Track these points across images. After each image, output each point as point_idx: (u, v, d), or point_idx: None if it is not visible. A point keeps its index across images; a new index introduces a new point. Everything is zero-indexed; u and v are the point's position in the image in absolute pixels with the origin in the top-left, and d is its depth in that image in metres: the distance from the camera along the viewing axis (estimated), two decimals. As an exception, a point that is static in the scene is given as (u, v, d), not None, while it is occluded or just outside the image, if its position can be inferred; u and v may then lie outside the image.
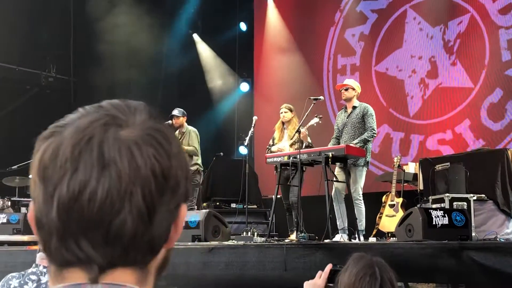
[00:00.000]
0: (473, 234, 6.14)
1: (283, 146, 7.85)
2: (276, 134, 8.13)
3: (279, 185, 7.35)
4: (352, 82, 7.68)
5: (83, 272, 0.78)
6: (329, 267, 2.44)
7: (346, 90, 7.51)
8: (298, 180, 7.22)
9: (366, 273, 2.18)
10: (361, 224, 7.15)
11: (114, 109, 0.82)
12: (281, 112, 8.09)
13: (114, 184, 0.75)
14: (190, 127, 9.08)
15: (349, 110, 7.52)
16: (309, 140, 7.60)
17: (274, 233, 8.04)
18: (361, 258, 2.28)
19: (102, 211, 0.75)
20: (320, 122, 7.41)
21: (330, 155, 6.79)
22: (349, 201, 7.25)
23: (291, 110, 8.07)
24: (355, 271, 2.20)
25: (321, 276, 2.43)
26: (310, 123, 7.43)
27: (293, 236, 7.46)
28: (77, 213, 0.75)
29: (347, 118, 7.48)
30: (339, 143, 7.54)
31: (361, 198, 7.20)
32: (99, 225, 0.76)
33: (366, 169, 7.31)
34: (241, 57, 13.53)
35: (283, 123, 8.10)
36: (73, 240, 0.76)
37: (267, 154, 7.66)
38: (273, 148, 7.95)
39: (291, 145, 7.75)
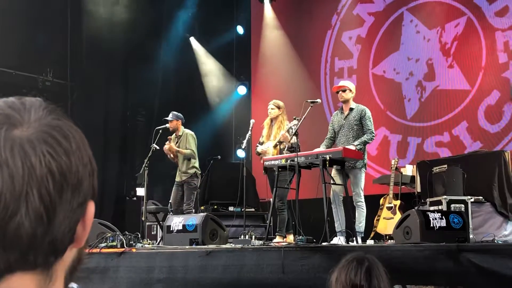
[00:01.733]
0: (471, 236, 6.15)
1: (267, 147, 7.80)
2: (264, 131, 8.01)
3: (276, 188, 7.34)
4: (348, 83, 7.66)
5: None
6: None
7: (344, 91, 7.49)
8: (296, 183, 7.20)
9: (354, 258, 2.23)
10: (361, 225, 7.15)
11: (8, 108, 0.79)
12: (268, 108, 8.01)
13: (7, 186, 0.73)
14: (187, 130, 9.06)
15: (346, 112, 7.51)
16: (293, 141, 7.38)
17: (272, 236, 8.03)
18: (352, 254, 2.34)
19: None
20: (299, 123, 7.28)
21: (328, 158, 6.78)
22: (346, 203, 7.25)
23: (278, 107, 7.87)
24: (344, 259, 2.26)
25: None
26: (289, 125, 7.37)
27: (277, 239, 7.50)
28: None
29: (344, 120, 7.47)
30: (333, 144, 7.53)
31: (363, 200, 7.20)
32: None
33: (364, 170, 7.31)
34: (238, 60, 13.54)
35: (271, 119, 8.02)
36: None
37: (265, 158, 7.62)
38: (258, 149, 7.89)
39: (274, 146, 7.68)
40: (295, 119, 7.31)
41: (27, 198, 0.73)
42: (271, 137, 7.86)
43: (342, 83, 7.72)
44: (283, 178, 7.37)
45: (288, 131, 7.36)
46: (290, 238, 7.48)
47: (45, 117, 0.79)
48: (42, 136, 0.76)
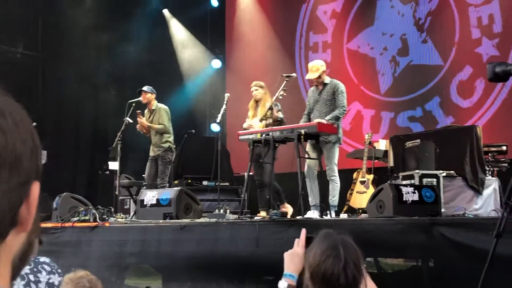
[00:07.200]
0: (443, 210, 6.23)
1: (252, 123, 7.81)
2: (250, 113, 8.04)
3: (251, 162, 7.34)
4: (314, 63, 7.56)
5: None
6: (303, 232, 2.45)
7: (319, 77, 7.39)
8: (271, 157, 7.21)
9: (330, 255, 2.19)
10: (335, 199, 7.19)
11: None
12: (252, 90, 8.02)
13: None
14: (161, 105, 9.00)
15: (320, 87, 7.50)
16: (281, 116, 7.51)
17: (246, 210, 8.05)
18: (326, 237, 2.27)
19: None
20: (285, 94, 7.32)
21: (303, 133, 6.80)
22: (321, 178, 7.28)
23: (261, 87, 7.96)
24: (319, 252, 2.21)
25: (299, 244, 2.44)
26: (275, 96, 7.40)
27: (263, 213, 7.47)
28: None
29: (318, 95, 7.47)
30: (310, 120, 7.54)
31: (337, 174, 7.22)
32: None
33: (338, 145, 7.33)
34: (213, 33, 13.40)
35: (256, 101, 8.03)
36: None
37: (240, 132, 7.62)
38: (244, 125, 7.89)
39: (260, 121, 7.67)
40: (281, 89, 7.34)
41: None
42: (258, 116, 7.82)
43: (309, 65, 7.60)
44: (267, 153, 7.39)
45: (272, 108, 7.36)
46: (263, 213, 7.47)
47: None
48: None
